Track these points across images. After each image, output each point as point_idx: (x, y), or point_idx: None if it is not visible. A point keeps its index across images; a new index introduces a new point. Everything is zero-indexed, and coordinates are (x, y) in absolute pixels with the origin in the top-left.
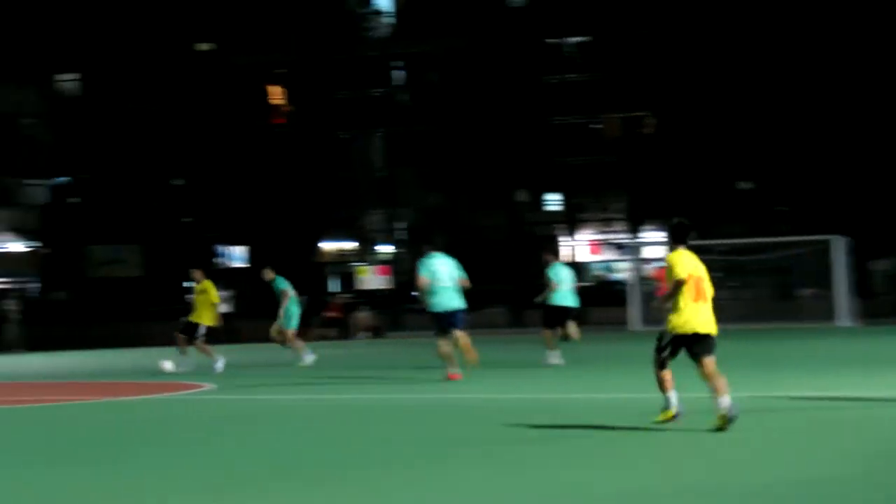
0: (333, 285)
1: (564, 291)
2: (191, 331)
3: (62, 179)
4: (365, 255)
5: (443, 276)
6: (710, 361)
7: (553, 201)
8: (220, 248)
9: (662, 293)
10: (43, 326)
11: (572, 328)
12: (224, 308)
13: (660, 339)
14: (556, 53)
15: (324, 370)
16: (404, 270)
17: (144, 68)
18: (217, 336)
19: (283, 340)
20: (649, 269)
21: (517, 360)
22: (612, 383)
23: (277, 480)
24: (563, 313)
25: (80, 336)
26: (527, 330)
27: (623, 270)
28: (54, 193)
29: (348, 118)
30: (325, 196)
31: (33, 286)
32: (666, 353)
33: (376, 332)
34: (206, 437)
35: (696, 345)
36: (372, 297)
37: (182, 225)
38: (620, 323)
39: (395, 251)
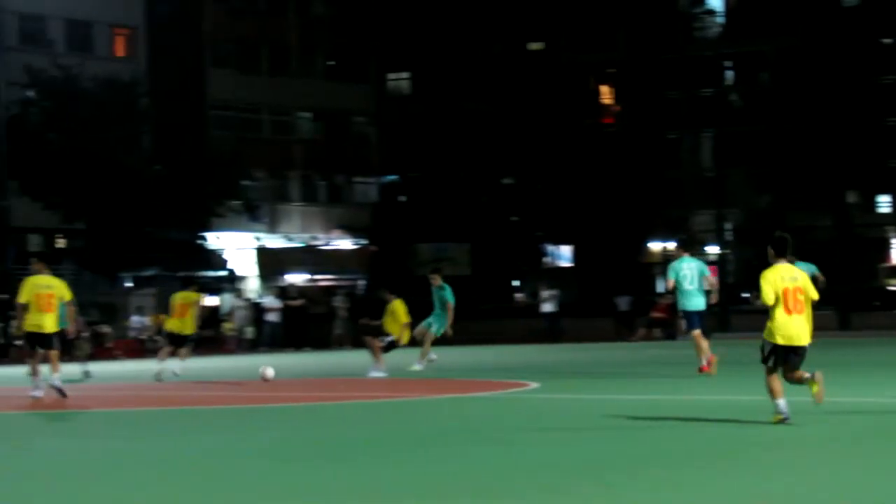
0: (660, 286)
1: None
2: (380, 333)
3: (391, 178)
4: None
5: (687, 279)
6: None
7: (884, 203)
8: (547, 247)
9: None
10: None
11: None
12: (548, 307)
13: (762, 349)
14: (890, 53)
15: (647, 367)
16: (732, 272)
17: (475, 67)
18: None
19: (422, 337)
20: None
21: (841, 362)
22: None
23: (589, 480)
24: None
25: None
26: (856, 333)
27: None
28: (383, 192)
29: (677, 118)
30: (652, 196)
31: (361, 283)
32: (771, 361)
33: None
34: (534, 436)
35: (788, 354)
36: None
37: (510, 224)
38: None
39: (722, 252)
